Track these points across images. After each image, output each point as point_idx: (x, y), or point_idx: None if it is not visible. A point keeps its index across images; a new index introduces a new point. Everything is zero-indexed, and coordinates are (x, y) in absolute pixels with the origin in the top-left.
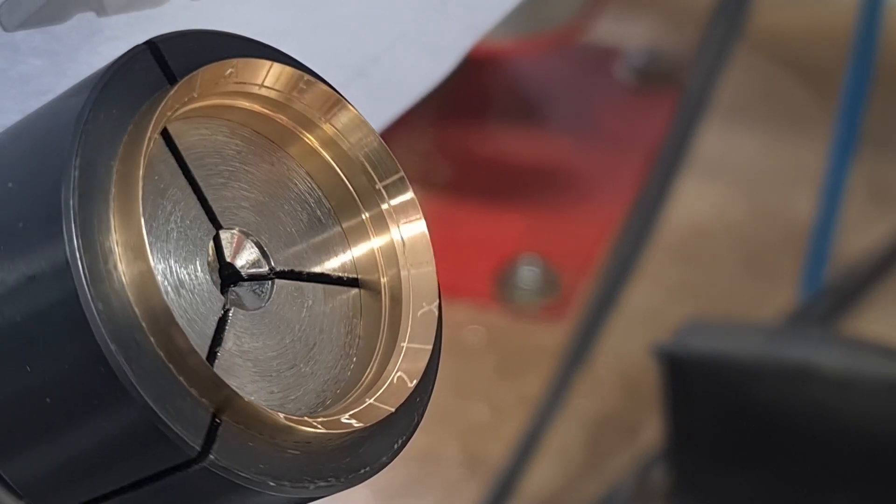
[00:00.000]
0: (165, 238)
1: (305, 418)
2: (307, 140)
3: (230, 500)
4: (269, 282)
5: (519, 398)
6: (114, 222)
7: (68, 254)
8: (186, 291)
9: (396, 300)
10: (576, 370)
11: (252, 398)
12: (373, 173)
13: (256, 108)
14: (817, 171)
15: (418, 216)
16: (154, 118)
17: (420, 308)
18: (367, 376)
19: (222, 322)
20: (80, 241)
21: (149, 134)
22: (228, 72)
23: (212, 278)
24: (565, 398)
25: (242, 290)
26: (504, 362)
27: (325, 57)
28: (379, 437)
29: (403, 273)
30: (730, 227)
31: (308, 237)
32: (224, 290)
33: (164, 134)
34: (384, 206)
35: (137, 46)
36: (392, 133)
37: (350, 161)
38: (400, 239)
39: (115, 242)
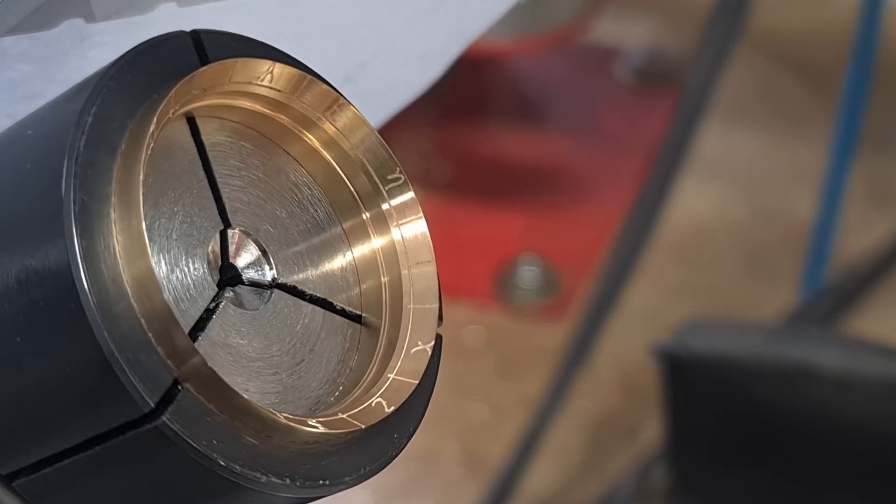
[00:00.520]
0: (170, 216)
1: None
2: (308, 140)
3: (189, 479)
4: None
5: (519, 398)
6: (114, 225)
7: (68, 254)
8: (180, 272)
9: (396, 301)
10: (576, 370)
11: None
12: (373, 173)
13: (257, 107)
14: (817, 171)
15: (419, 216)
16: (154, 119)
17: (420, 308)
18: (367, 376)
19: (211, 311)
20: (80, 244)
21: (149, 134)
22: (228, 71)
23: (210, 271)
24: (565, 398)
25: (242, 288)
26: (504, 362)
27: (314, 63)
28: (378, 438)
29: (404, 272)
30: (730, 227)
31: (308, 237)
32: (221, 285)
33: (191, 123)
34: (384, 206)
35: (139, 45)
36: (392, 133)
37: (350, 161)
38: (400, 239)
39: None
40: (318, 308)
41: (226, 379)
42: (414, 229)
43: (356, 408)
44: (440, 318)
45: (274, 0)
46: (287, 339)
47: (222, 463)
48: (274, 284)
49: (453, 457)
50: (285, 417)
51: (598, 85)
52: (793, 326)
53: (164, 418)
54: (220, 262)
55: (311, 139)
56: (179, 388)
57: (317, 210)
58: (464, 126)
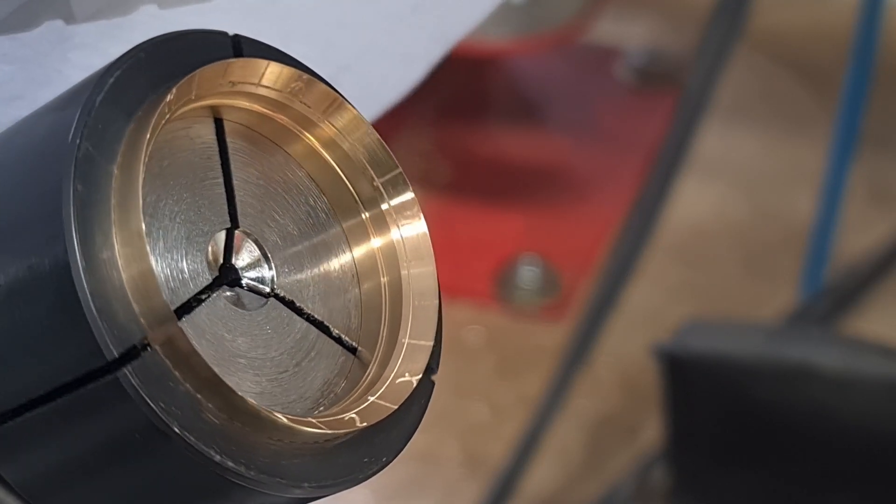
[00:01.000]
0: (176, 200)
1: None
2: (307, 140)
3: (143, 445)
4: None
5: (519, 398)
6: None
7: (68, 255)
8: (178, 255)
9: (396, 302)
10: (576, 370)
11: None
12: (373, 173)
13: (256, 108)
14: (817, 171)
15: (418, 216)
16: (153, 119)
17: (420, 306)
18: (367, 375)
19: (201, 300)
20: (80, 246)
21: (148, 135)
22: (226, 71)
23: (209, 266)
24: (565, 398)
25: (238, 290)
26: (504, 362)
27: None
28: (380, 436)
29: (404, 273)
30: (730, 227)
31: (308, 237)
32: (218, 281)
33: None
34: (384, 206)
35: (136, 47)
36: (392, 133)
37: (350, 161)
38: (400, 239)
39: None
40: (313, 327)
41: None
42: (414, 229)
43: (330, 417)
44: (440, 316)
45: (255, 2)
46: (274, 347)
47: (177, 430)
48: (272, 294)
49: (453, 457)
50: (251, 403)
51: (598, 85)
52: (793, 326)
53: (125, 370)
54: (220, 261)
55: (311, 139)
56: (148, 347)
57: (316, 210)
58: (464, 126)
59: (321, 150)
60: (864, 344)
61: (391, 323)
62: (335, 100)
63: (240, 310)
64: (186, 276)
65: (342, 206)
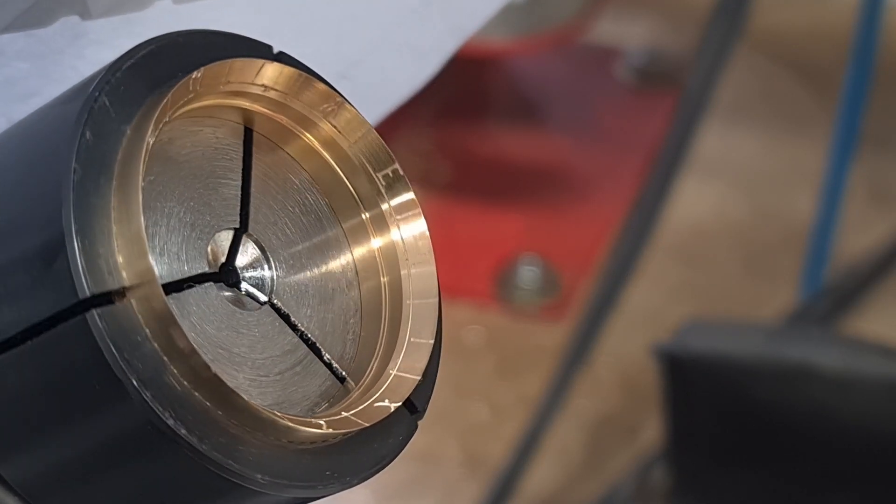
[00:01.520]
0: (187, 187)
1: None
2: (307, 140)
3: (101, 392)
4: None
5: (519, 398)
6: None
7: (68, 256)
8: (177, 239)
9: (396, 302)
10: (576, 370)
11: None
12: (373, 173)
13: (256, 107)
14: (817, 171)
15: (418, 216)
16: (153, 119)
17: (420, 306)
18: (368, 375)
19: (192, 285)
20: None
21: (148, 135)
22: (227, 71)
23: (209, 259)
24: (565, 398)
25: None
26: (504, 362)
27: (309, 60)
28: (381, 436)
29: (403, 273)
30: (730, 227)
31: (308, 237)
32: (216, 278)
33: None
34: (384, 206)
35: (138, 45)
36: (392, 133)
37: (350, 161)
38: (400, 239)
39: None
40: (304, 344)
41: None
42: (414, 229)
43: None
44: (440, 315)
45: None
46: (258, 350)
47: (134, 383)
48: (268, 303)
49: (453, 457)
50: (214, 373)
51: (598, 85)
52: (793, 326)
53: (94, 311)
54: (220, 260)
55: (311, 139)
56: (123, 297)
57: (317, 210)
58: (464, 126)
59: (321, 149)
60: (864, 344)
61: (391, 323)
62: (335, 99)
63: (232, 306)
64: (183, 259)
65: (342, 206)
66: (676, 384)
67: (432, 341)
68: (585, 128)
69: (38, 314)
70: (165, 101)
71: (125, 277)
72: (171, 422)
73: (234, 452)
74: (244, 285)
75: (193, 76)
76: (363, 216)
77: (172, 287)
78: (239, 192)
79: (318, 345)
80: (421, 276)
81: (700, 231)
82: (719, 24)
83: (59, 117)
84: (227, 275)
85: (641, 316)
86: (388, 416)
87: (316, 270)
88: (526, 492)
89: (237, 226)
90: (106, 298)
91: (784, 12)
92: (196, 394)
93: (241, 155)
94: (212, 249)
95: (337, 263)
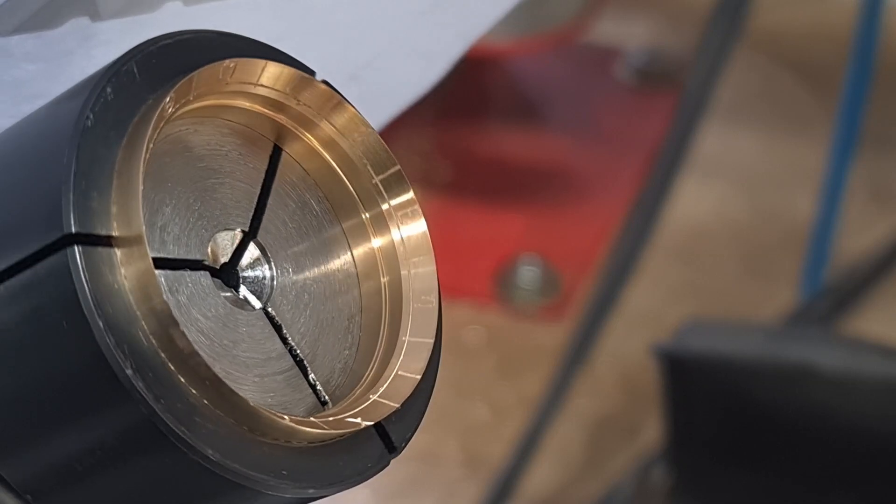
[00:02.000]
0: (200, 176)
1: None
2: (307, 140)
3: (68, 334)
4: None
5: (519, 398)
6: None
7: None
8: (177, 227)
9: (396, 301)
10: (576, 370)
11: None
12: (373, 173)
13: (256, 108)
14: (817, 171)
15: (418, 216)
16: (153, 119)
17: (420, 305)
18: (368, 374)
19: (185, 266)
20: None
21: (148, 134)
22: (225, 71)
23: (210, 252)
24: (565, 398)
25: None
26: (504, 362)
27: (318, 62)
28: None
29: (403, 273)
30: (730, 227)
31: (308, 237)
32: (214, 275)
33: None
34: (384, 206)
35: (136, 47)
36: (392, 133)
37: (350, 161)
38: (400, 239)
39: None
40: (290, 357)
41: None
42: (414, 229)
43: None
44: (440, 315)
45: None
46: (241, 348)
47: (101, 324)
48: (262, 310)
49: (453, 457)
50: (187, 339)
51: (598, 85)
52: (793, 326)
53: (75, 247)
54: (221, 259)
55: (311, 139)
56: (109, 244)
57: (316, 210)
58: (464, 126)
59: (321, 149)
60: (864, 344)
61: (391, 323)
62: (335, 99)
63: (225, 301)
64: (184, 243)
65: (342, 206)
66: (676, 384)
67: (432, 341)
68: (585, 128)
69: (25, 250)
70: (193, 77)
71: (115, 227)
72: (129, 372)
73: (190, 420)
74: (242, 289)
75: (192, 76)
76: (363, 216)
77: (167, 264)
78: (251, 195)
79: (305, 363)
80: (421, 275)
81: (700, 231)
82: (719, 24)
83: (82, 83)
84: (227, 275)
85: (641, 316)
86: (389, 415)
87: (315, 270)
88: (526, 492)
89: (246, 229)
90: (91, 239)
91: (784, 12)
92: (161, 353)
93: (266, 167)
94: (214, 244)
95: (337, 263)
